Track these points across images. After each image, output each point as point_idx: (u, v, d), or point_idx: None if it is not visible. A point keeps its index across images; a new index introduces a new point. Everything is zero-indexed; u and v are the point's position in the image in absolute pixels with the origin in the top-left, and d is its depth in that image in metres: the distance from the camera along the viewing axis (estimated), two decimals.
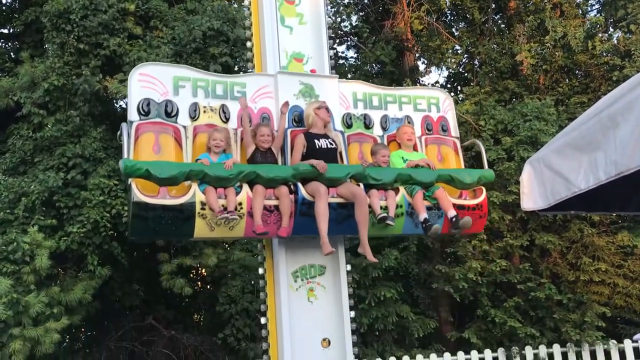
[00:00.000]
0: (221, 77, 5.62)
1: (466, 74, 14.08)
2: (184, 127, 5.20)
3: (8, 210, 8.57)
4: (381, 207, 5.30)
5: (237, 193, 4.96)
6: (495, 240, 9.85)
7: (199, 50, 9.61)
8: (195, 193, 4.82)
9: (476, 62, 13.41)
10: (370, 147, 5.76)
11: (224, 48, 9.69)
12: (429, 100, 6.26)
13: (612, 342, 9.09)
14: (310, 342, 5.36)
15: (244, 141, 5.31)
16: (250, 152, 5.26)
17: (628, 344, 9.06)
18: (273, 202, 5.05)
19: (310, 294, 5.53)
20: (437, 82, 14.89)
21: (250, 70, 6.12)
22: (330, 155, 5.34)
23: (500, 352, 8.97)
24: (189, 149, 5.16)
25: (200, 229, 4.90)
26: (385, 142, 5.93)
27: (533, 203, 3.18)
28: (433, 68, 14.59)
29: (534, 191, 3.12)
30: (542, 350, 9.00)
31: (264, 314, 5.58)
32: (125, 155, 4.80)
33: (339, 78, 5.99)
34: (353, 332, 5.65)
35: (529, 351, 9.00)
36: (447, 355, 8.84)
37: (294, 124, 5.57)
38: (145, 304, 10.66)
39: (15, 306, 7.44)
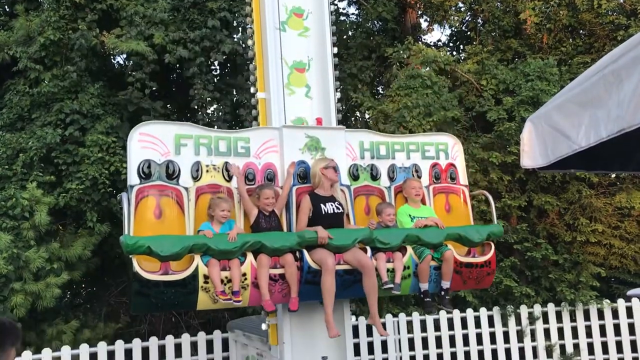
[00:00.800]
0: (224, 132, 5.40)
1: (469, 33, 13.85)
2: (186, 189, 5.01)
3: (6, 166, 8.56)
4: (388, 270, 5.21)
5: (242, 262, 4.84)
6: (493, 200, 9.86)
7: (196, 4, 9.44)
8: (197, 266, 4.69)
9: (479, 20, 13.17)
10: (376, 202, 5.66)
11: (223, 2, 9.51)
12: (437, 146, 6.09)
13: (606, 302, 9.22)
14: None
15: (245, 208, 5.14)
16: (254, 216, 5.07)
17: (621, 304, 9.19)
18: (278, 271, 4.92)
19: None
20: (439, 40, 14.66)
21: (249, 26, 5.98)
22: (337, 220, 5.20)
23: (495, 311, 9.10)
24: (191, 212, 4.99)
25: (203, 302, 4.80)
26: (393, 193, 5.80)
27: (533, 161, 3.16)
28: (436, 26, 14.36)
29: (534, 149, 3.09)
30: (537, 309, 9.14)
31: None
32: (125, 224, 4.65)
33: (345, 123, 5.83)
34: None
35: (523, 310, 9.14)
36: (442, 313, 8.97)
37: (299, 180, 5.40)
38: None
39: (16, 261, 7.50)
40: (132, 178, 4.87)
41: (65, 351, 7.32)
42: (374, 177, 5.77)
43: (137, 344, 7.64)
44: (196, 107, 10.04)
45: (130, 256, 4.58)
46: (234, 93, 10.91)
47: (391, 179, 5.85)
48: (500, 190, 9.76)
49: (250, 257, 4.86)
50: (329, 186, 5.30)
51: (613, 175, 10.69)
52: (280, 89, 5.76)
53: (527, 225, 9.78)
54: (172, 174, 4.97)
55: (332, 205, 5.23)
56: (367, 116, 12.10)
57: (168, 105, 10.65)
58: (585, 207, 9.83)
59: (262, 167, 5.36)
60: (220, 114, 10.58)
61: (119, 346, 7.57)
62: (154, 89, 9.71)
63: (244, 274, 4.80)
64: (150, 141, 4.98)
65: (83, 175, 8.53)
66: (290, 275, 4.88)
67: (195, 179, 5.08)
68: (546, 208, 9.73)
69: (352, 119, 13.18)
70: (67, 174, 8.75)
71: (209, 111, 10.80)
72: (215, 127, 11.36)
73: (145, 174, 4.89)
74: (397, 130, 9.56)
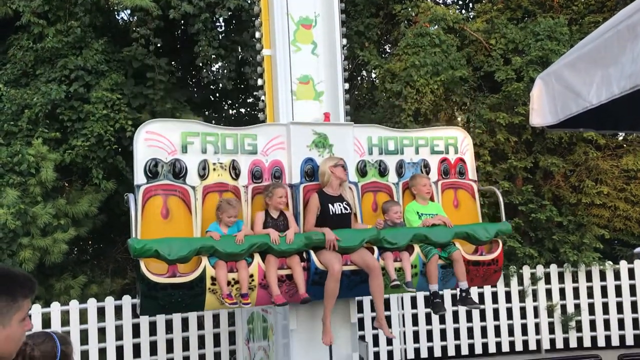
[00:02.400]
0: (231, 130, 5.34)
1: None
2: (193, 188, 4.98)
3: (12, 122, 8.55)
4: (396, 269, 5.19)
5: (249, 264, 4.83)
6: (499, 162, 9.84)
7: None
8: (205, 268, 4.69)
9: None
10: (384, 199, 5.63)
11: None
12: (446, 140, 6.02)
13: (608, 263, 9.28)
14: None
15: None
16: (261, 219, 5.04)
17: (623, 265, 9.24)
18: (285, 272, 4.93)
19: None
20: None
21: None
22: (344, 220, 5.17)
23: None
24: (199, 211, 4.97)
25: (211, 303, 4.83)
26: (401, 190, 5.76)
27: (542, 119, 3.12)
28: None
29: (544, 107, 3.05)
30: (540, 269, 9.21)
31: None
32: (133, 227, 4.64)
33: (354, 123, 5.73)
34: None
35: (526, 270, 9.21)
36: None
37: (307, 178, 5.35)
38: None
39: (24, 217, 7.57)
40: (139, 178, 4.85)
41: (74, 305, 7.45)
42: (382, 173, 5.74)
43: None
44: (201, 64, 9.94)
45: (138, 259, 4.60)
46: (239, 50, 10.78)
47: (399, 175, 5.82)
48: (507, 152, 9.71)
49: (257, 258, 4.88)
50: (337, 185, 5.26)
51: (620, 138, 10.61)
52: (287, 46, 5.69)
53: (533, 186, 9.75)
54: (179, 172, 4.95)
55: (340, 205, 5.20)
56: (373, 75, 11.97)
57: (173, 63, 10.54)
58: (591, 169, 9.78)
59: (270, 165, 5.33)
60: (225, 71, 10.48)
61: (126, 301, 7.69)
62: (158, 45, 9.60)
63: (251, 275, 4.82)
64: (157, 139, 4.94)
65: (88, 132, 8.52)
66: (298, 275, 4.90)
67: (202, 177, 5.06)
68: (552, 170, 9.69)
69: (359, 78, 13.05)
70: (73, 130, 8.74)
71: (213, 68, 10.70)
72: (220, 85, 11.29)
73: (152, 174, 4.87)
74: (403, 89, 9.47)
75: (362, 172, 5.64)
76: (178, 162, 4.96)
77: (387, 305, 8.70)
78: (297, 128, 5.41)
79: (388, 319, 8.65)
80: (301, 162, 5.36)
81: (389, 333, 5.33)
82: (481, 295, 9.05)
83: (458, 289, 5.45)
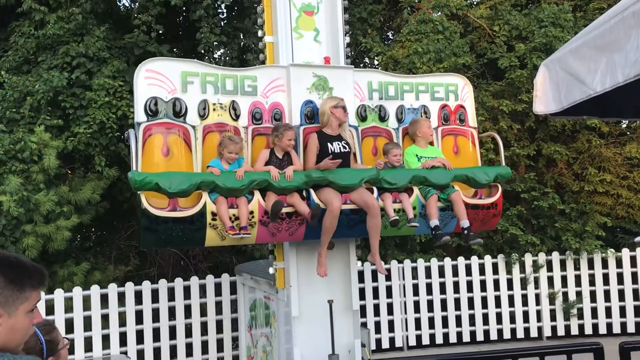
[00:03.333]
0: (231, 70, 5.34)
1: None
2: (193, 127, 5.00)
3: (14, 109, 8.53)
4: (395, 210, 5.22)
5: (249, 200, 4.85)
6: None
7: None
8: (205, 203, 4.71)
9: None
10: (383, 143, 5.63)
11: None
12: (447, 87, 6.02)
13: (610, 251, 9.28)
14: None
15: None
16: (264, 158, 5.08)
17: (625, 253, 9.25)
18: (285, 210, 4.95)
19: None
20: None
21: None
22: (344, 159, 5.16)
23: (500, 259, 9.19)
24: (199, 150, 5.00)
25: (211, 239, 4.86)
26: (401, 135, 5.78)
27: (545, 106, 3.10)
28: None
29: (547, 94, 3.03)
30: (541, 257, 9.22)
31: None
32: (133, 161, 4.66)
33: (354, 67, 5.72)
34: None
35: (528, 258, 9.22)
36: (447, 260, 9.08)
37: (307, 120, 5.37)
38: None
39: (26, 204, 7.58)
40: (139, 115, 4.87)
41: (77, 292, 7.49)
42: (382, 118, 5.77)
43: (146, 286, 7.81)
44: (203, 51, 9.89)
45: (139, 192, 4.62)
46: (241, 37, 10.73)
47: (399, 120, 5.85)
48: (510, 139, 9.68)
49: (257, 195, 4.91)
50: (337, 126, 5.30)
51: (624, 125, 10.57)
52: (289, 33, 5.66)
53: (535, 174, 9.74)
54: (179, 111, 4.98)
55: (339, 144, 5.24)
56: (376, 62, 11.90)
57: (175, 49, 10.49)
58: (594, 157, 9.75)
59: (270, 107, 5.35)
60: (227, 58, 10.44)
61: (129, 288, 7.73)
62: (160, 32, 9.55)
63: (252, 212, 4.85)
64: (157, 78, 4.96)
65: (90, 120, 8.50)
66: (302, 209, 4.93)
67: (203, 117, 5.08)
68: (555, 157, 9.66)
69: (361, 65, 12.98)
70: (75, 117, 8.73)
71: (215, 55, 10.65)
72: None
73: (152, 112, 4.89)
74: None
75: (362, 116, 5.68)
76: (178, 101, 4.99)
77: (389, 293, 8.74)
78: (297, 70, 5.42)
79: (390, 306, 8.71)
80: (301, 105, 5.39)
81: (382, 269, 5.37)
82: (482, 283, 9.08)
83: (461, 228, 5.44)
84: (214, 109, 5.13)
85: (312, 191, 5.04)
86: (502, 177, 5.75)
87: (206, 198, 4.75)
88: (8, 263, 1.94)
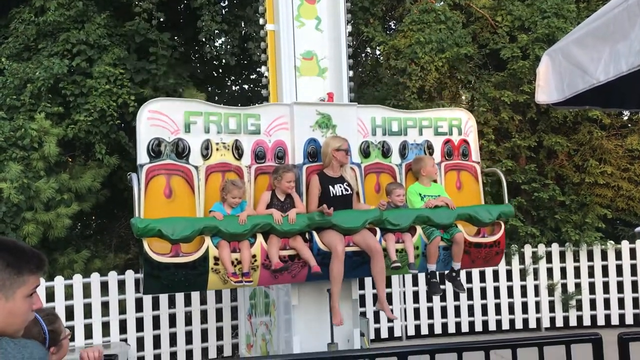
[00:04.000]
0: (234, 109, 5.27)
1: None
2: (196, 167, 4.96)
3: (14, 96, 8.50)
4: (397, 251, 5.18)
5: (252, 244, 4.83)
6: (503, 140, 9.80)
7: None
8: (208, 248, 4.69)
9: None
10: (387, 180, 5.62)
11: None
12: (450, 122, 5.98)
13: (610, 243, 9.29)
14: None
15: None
16: (265, 201, 5.05)
17: (625, 245, 9.26)
18: (287, 253, 4.93)
19: None
20: None
21: None
22: (346, 202, 5.14)
23: None
24: (202, 191, 4.95)
25: (214, 283, 4.83)
26: (404, 171, 5.74)
27: (548, 96, 3.09)
28: None
29: (550, 84, 3.01)
30: (541, 248, 9.23)
31: None
32: (136, 206, 4.63)
33: (358, 104, 5.67)
34: None
35: (527, 249, 9.23)
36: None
37: (309, 159, 5.33)
38: None
39: (27, 191, 7.58)
40: (142, 157, 4.82)
41: (77, 279, 7.51)
42: (385, 154, 5.72)
43: None
44: (204, 39, 9.85)
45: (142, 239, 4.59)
46: (243, 25, 10.68)
47: (402, 156, 5.80)
48: (511, 130, 9.67)
49: (260, 238, 4.88)
50: (338, 167, 5.25)
51: (625, 117, 10.54)
52: (290, 21, 5.63)
53: (536, 165, 9.73)
54: (182, 152, 4.93)
55: (340, 187, 5.19)
56: (377, 52, 11.87)
57: (175, 37, 10.45)
58: (595, 149, 9.74)
59: (273, 145, 5.30)
60: (228, 46, 10.39)
61: (129, 275, 7.75)
62: (161, 20, 9.50)
63: (254, 256, 4.82)
64: (160, 119, 4.91)
65: (91, 107, 8.48)
66: (305, 253, 4.90)
67: (205, 157, 5.04)
68: (556, 149, 9.65)
69: (363, 54, 12.94)
70: (75, 105, 8.70)
71: (216, 44, 10.61)
72: (224, 60, 11.21)
73: (155, 153, 4.85)
74: (408, 66, 9.39)
75: (365, 153, 5.63)
76: (181, 141, 4.94)
77: (388, 283, 8.75)
78: (301, 108, 5.37)
79: (389, 296, 8.72)
80: (304, 143, 5.33)
81: (391, 315, 5.37)
82: (482, 273, 9.09)
83: (451, 268, 5.50)
84: (217, 149, 5.09)
85: (315, 234, 5.01)
86: (505, 215, 5.73)
87: (209, 242, 4.72)
88: (6, 247, 1.95)
